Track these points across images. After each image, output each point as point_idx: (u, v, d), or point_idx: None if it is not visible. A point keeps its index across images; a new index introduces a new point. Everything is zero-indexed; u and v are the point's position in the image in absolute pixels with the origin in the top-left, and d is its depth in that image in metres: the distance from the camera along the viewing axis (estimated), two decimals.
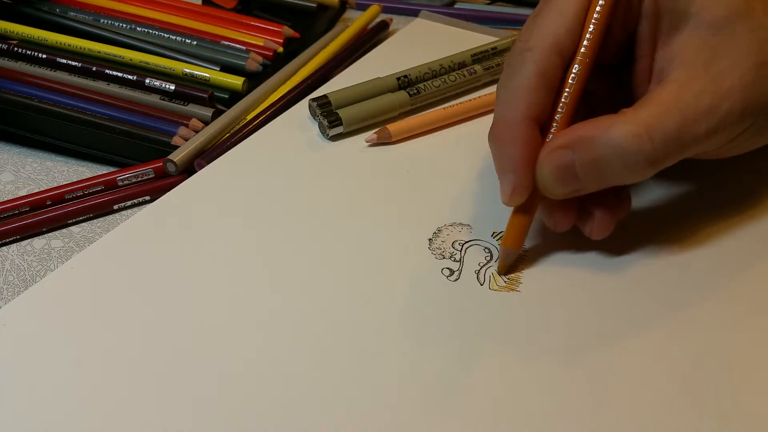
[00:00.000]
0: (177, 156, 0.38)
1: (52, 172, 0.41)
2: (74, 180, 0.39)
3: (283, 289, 0.31)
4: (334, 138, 0.40)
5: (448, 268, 0.32)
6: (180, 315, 0.29)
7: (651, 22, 0.31)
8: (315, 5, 0.54)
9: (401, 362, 0.28)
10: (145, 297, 0.30)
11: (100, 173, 0.39)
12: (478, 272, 0.31)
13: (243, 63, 0.46)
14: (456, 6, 0.59)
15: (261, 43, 0.49)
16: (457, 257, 0.32)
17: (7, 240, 0.36)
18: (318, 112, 0.40)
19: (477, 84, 0.45)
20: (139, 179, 0.39)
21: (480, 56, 0.45)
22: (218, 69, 0.46)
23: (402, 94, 0.42)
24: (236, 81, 0.44)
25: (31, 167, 0.41)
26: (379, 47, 0.49)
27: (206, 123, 0.42)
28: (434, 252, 0.32)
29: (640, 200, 0.35)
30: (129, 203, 0.38)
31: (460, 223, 0.34)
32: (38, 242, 0.36)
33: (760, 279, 0.31)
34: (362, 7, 0.57)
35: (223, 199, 0.35)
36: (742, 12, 0.29)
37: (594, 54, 0.30)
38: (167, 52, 0.47)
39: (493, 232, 0.33)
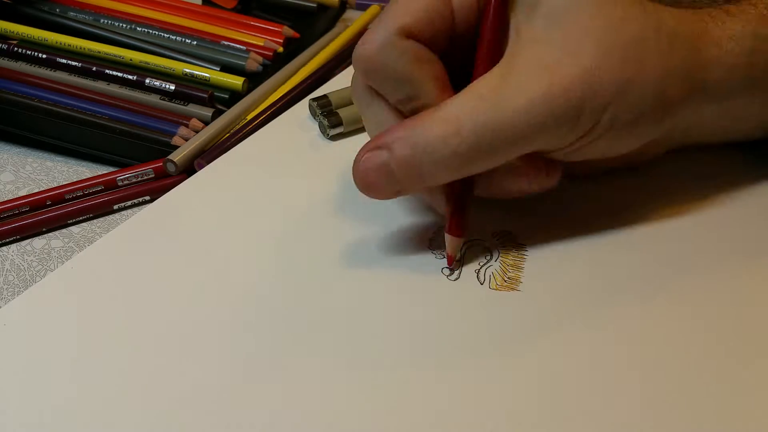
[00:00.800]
0: (177, 156, 0.38)
1: (52, 172, 0.41)
2: (74, 180, 0.39)
3: (282, 289, 0.31)
4: (335, 138, 0.40)
5: (448, 268, 0.32)
6: (180, 315, 0.29)
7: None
8: (315, 5, 0.54)
9: (401, 362, 0.28)
10: (145, 297, 0.30)
11: (100, 173, 0.39)
12: (478, 272, 0.31)
13: (243, 63, 0.46)
14: None
15: (261, 43, 0.49)
16: (457, 257, 0.32)
17: (7, 240, 0.36)
18: (318, 112, 0.40)
19: None
20: (139, 179, 0.39)
21: None
22: (218, 69, 0.46)
23: None
24: (236, 81, 0.44)
25: (31, 167, 0.41)
26: None
27: (206, 123, 0.42)
28: (434, 252, 0.32)
29: (641, 200, 0.35)
30: (129, 203, 0.38)
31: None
32: (38, 242, 0.36)
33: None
34: (362, 7, 0.57)
35: (223, 199, 0.35)
36: (584, 1, 0.27)
37: None
38: (167, 52, 0.47)
39: (494, 232, 0.33)
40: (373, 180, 0.29)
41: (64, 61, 0.44)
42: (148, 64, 0.45)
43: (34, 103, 0.41)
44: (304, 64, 0.48)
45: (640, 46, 0.27)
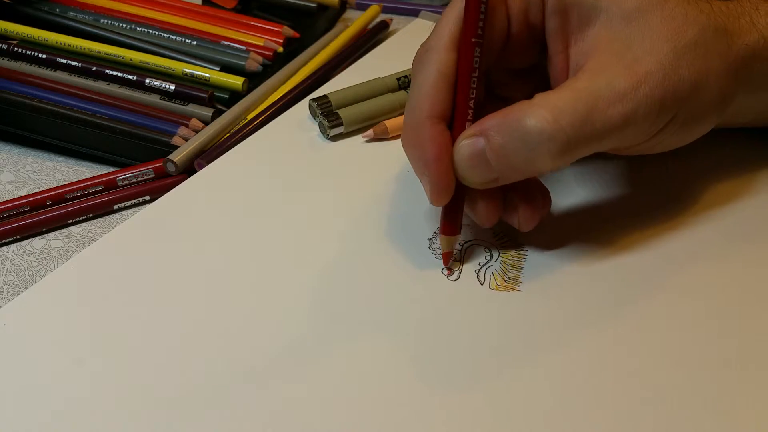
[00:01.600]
0: (177, 156, 0.38)
1: (52, 172, 0.41)
2: (74, 180, 0.39)
3: (282, 289, 0.31)
4: (335, 138, 0.40)
5: (448, 268, 0.32)
6: (180, 315, 0.29)
7: (558, 18, 0.30)
8: (315, 5, 0.54)
9: (401, 362, 0.28)
10: (145, 297, 0.30)
11: (100, 173, 0.39)
12: (478, 272, 0.31)
13: (243, 63, 0.46)
14: None
15: (261, 43, 0.49)
16: (457, 257, 0.32)
17: (7, 240, 0.36)
18: (318, 112, 0.40)
19: None
20: (139, 179, 0.39)
21: None
22: (218, 69, 0.46)
23: (402, 94, 0.42)
24: (236, 81, 0.44)
25: (31, 167, 0.41)
26: (379, 47, 0.49)
27: (206, 123, 0.42)
28: (434, 252, 0.32)
29: (640, 200, 0.35)
30: (129, 203, 0.38)
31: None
32: (38, 242, 0.36)
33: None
34: (362, 7, 0.57)
35: (223, 199, 0.35)
36: (654, 2, 0.29)
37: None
38: (167, 52, 0.47)
39: (494, 232, 0.33)
40: (469, 167, 0.29)
41: (64, 61, 0.44)
42: (148, 64, 0.45)
43: (34, 103, 0.41)
44: (304, 64, 0.48)
45: (704, 47, 0.29)
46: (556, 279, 0.31)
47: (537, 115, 0.27)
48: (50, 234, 0.36)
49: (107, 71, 0.44)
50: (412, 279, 0.31)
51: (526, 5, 0.31)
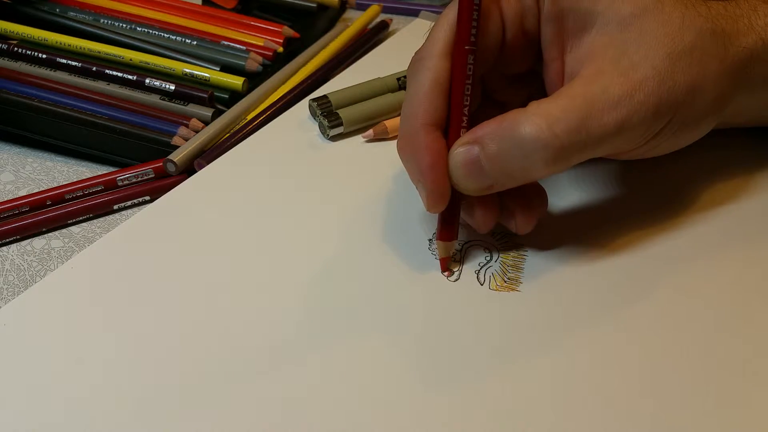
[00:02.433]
0: (177, 156, 0.38)
1: (52, 172, 0.41)
2: (74, 180, 0.39)
3: (282, 289, 0.31)
4: (335, 138, 0.40)
5: (447, 269, 0.32)
6: (180, 315, 0.29)
7: (554, 24, 0.30)
8: (315, 5, 0.54)
9: (401, 362, 0.28)
10: (145, 297, 0.30)
11: (100, 173, 0.39)
12: (478, 272, 0.31)
13: (243, 63, 0.46)
14: None
15: (261, 43, 0.49)
16: (457, 257, 0.32)
17: (7, 240, 0.36)
18: (318, 112, 0.40)
19: None
20: (139, 179, 0.39)
21: None
22: (218, 69, 0.46)
23: (402, 94, 0.42)
24: (236, 81, 0.44)
25: (31, 167, 0.41)
26: (379, 47, 0.49)
27: (206, 123, 0.42)
28: (434, 252, 0.32)
29: (639, 201, 0.35)
30: (129, 203, 0.38)
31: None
32: (38, 242, 0.36)
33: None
34: (362, 7, 0.57)
35: (223, 199, 0.35)
36: (651, 7, 0.29)
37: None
38: (167, 52, 0.47)
39: (494, 232, 0.33)
40: (464, 174, 0.29)
41: (64, 61, 0.44)
42: (148, 64, 0.45)
43: (34, 103, 0.41)
44: (304, 64, 0.48)
45: (701, 51, 0.29)
46: (556, 279, 0.31)
47: (532, 122, 0.27)
48: (50, 234, 0.36)
49: (107, 71, 0.44)
50: (411, 279, 0.31)
51: (521, 12, 0.31)
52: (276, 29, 0.50)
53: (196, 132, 0.41)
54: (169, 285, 0.31)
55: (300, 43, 0.50)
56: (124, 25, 0.49)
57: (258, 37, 0.49)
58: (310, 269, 0.31)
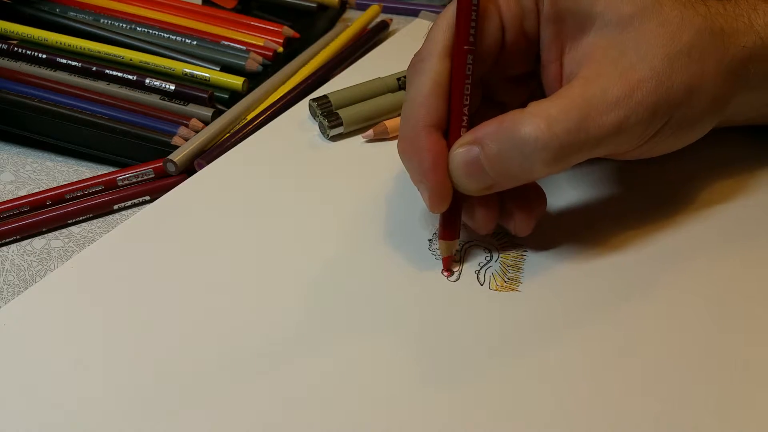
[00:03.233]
0: (177, 156, 0.38)
1: (52, 172, 0.41)
2: (74, 180, 0.39)
3: (282, 288, 0.31)
4: (335, 138, 0.40)
5: (448, 269, 0.32)
6: (180, 315, 0.29)
7: (553, 26, 0.30)
8: (315, 5, 0.54)
9: (401, 362, 0.28)
10: (145, 297, 0.30)
11: (100, 173, 0.39)
12: (478, 272, 0.31)
13: (243, 63, 0.46)
14: None
15: (261, 43, 0.49)
16: (457, 257, 0.32)
17: (7, 240, 0.36)
18: (318, 112, 0.40)
19: None
20: (139, 179, 0.39)
21: None
22: (218, 69, 0.46)
23: (402, 95, 0.42)
24: (236, 81, 0.44)
25: (31, 167, 0.41)
26: (379, 47, 0.49)
27: (206, 123, 0.42)
28: (434, 252, 0.32)
29: (638, 200, 0.35)
30: (129, 203, 0.38)
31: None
32: (38, 242, 0.36)
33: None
34: (362, 7, 0.57)
35: (223, 199, 0.35)
36: (650, 8, 0.29)
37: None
38: (167, 52, 0.47)
39: (494, 232, 0.33)
40: (464, 174, 0.29)
41: (64, 61, 0.44)
42: (148, 64, 0.45)
43: (34, 103, 0.41)
44: (304, 64, 0.48)
45: (699, 50, 0.29)
46: (556, 279, 0.31)
47: (531, 123, 0.27)
48: (50, 234, 0.36)
49: (107, 71, 0.44)
50: (412, 279, 0.31)
51: (520, 13, 0.31)
52: (276, 29, 0.50)
53: (196, 132, 0.41)
54: (169, 285, 0.31)
55: (300, 43, 0.50)
56: (124, 25, 0.49)
57: (258, 37, 0.49)
58: (310, 269, 0.31)
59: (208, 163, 0.38)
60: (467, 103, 0.29)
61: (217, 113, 0.42)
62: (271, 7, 0.55)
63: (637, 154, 0.31)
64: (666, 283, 0.31)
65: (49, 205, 0.37)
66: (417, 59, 0.31)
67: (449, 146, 0.29)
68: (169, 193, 0.36)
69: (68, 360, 0.27)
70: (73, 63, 0.44)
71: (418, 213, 0.34)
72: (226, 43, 0.48)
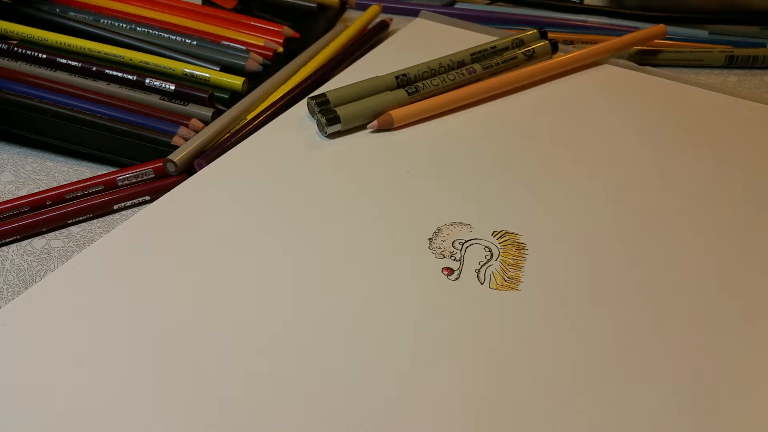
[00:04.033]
0: (177, 156, 0.38)
1: (52, 172, 0.41)
2: (74, 180, 0.39)
3: (282, 288, 0.31)
4: (333, 136, 0.40)
5: (448, 268, 0.32)
6: (179, 315, 0.29)
7: None
8: (315, 5, 0.54)
9: (401, 362, 0.28)
10: (145, 297, 0.30)
11: (100, 173, 0.39)
12: (478, 271, 0.31)
13: (243, 63, 0.46)
14: (456, 6, 0.59)
15: (261, 43, 0.49)
16: (458, 256, 0.32)
17: (7, 240, 0.36)
18: (316, 110, 0.40)
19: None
20: (139, 179, 0.39)
21: (479, 55, 0.45)
22: (218, 69, 0.46)
23: (400, 93, 0.42)
24: (236, 81, 0.44)
25: (31, 167, 0.41)
26: (379, 47, 0.49)
27: (206, 123, 0.42)
28: (434, 251, 0.32)
29: (640, 199, 0.35)
30: (129, 203, 0.38)
31: (461, 223, 0.34)
32: (38, 242, 0.36)
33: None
34: (362, 7, 0.57)
35: (223, 199, 0.35)
36: None
37: None
38: (167, 52, 0.47)
39: (493, 231, 0.33)
40: None
41: (64, 61, 0.44)
42: (148, 64, 0.45)
43: (34, 103, 0.41)
44: (304, 64, 0.48)
45: None
46: (556, 279, 0.31)
47: None
48: (50, 234, 0.36)
49: (107, 71, 0.44)
50: (412, 279, 0.31)
51: None
52: (276, 29, 0.50)
53: (196, 132, 0.41)
54: (169, 285, 0.31)
55: (300, 43, 0.50)
56: (124, 25, 0.49)
57: (258, 37, 0.49)
58: (310, 268, 0.31)
59: (208, 163, 0.38)
60: None
61: (217, 113, 0.42)
62: (271, 7, 0.55)
63: None
64: (667, 282, 0.31)
65: (49, 205, 0.37)
66: None
67: None
68: (169, 193, 0.36)
69: (68, 360, 0.27)
70: (73, 63, 0.44)
71: (418, 211, 0.34)
72: (226, 43, 0.48)
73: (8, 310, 0.29)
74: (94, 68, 0.44)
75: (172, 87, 0.43)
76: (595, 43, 0.49)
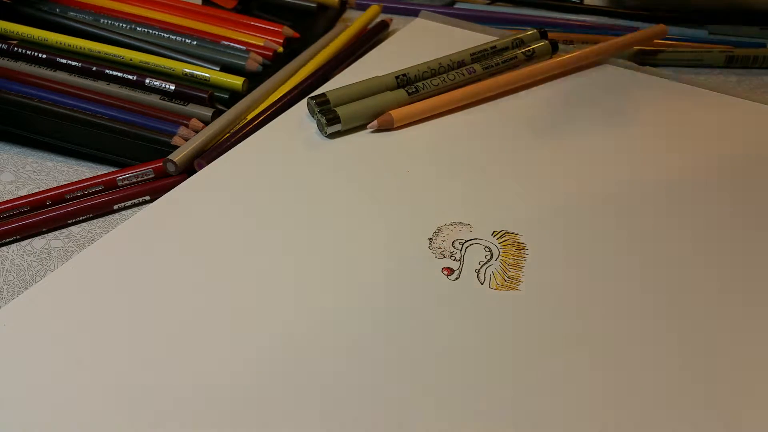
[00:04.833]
0: (177, 156, 0.38)
1: (52, 172, 0.41)
2: (74, 180, 0.39)
3: (282, 288, 0.31)
4: (333, 136, 0.40)
5: (448, 268, 0.32)
6: (179, 315, 0.29)
7: None
8: (315, 5, 0.54)
9: (401, 362, 0.28)
10: (145, 297, 0.30)
11: (100, 173, 0.39)
12: (478, 271, 0.31)
13: (243, 63, 0.46)
14: (456, 6, 0.59)
15: (261, 43, 0.49)
16: (458, 256, 0.32)
17: (7, 240, 0.36)
18: (316, 110, 0.40)
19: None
20: (139, 179, 0.39)
21: (479, 55, 0.45)
22: (218, 69, 0.46)
23: (400, 93, 0.42)
24: (236, 81, 0.44)
25: (31, 167, 0.41)
26: (379, 47, 0.49)
27: (206, 123, 0.42)
28: (434, 251, 0.32)
29: (638, 199, 0.35)
30: (129, 203, 0.38)
31: (461, 222, 0.34)
32: (38, 242, 0.36)
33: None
34: (362, 7, 0.57)
35: (223, 199, 0.35)
36: None
37: None
38: (167, 52, 0.47)
39: (493, 231, 0.33)
40: None
41: (64, 61, 0.44)
42: (148, 64, 0.45)
43: (34, 103, 0.41)
44: (304, 64, 0.48)
45: None
46: (556, 278, 0.31)
47: None
48: (50, 234, 0.36)
49: (107, 71, 0.44)
50: (412, 278, 0.31)
51: None
52: (276, 29, 0.50)
53: (196, 132, 0.41)
54: (169, 285, 0.31)
55: (300, 43, 0.50)
56: (124, 25, 0.49)
57: (258, 37, 0.49)
58: (310, 268, 0.31)
59: (208, 163, 0.38)
60: None
61: (217, 113, 0.42)
62: (271, 7, 0.55)
63: None
64: (667, 282, 0.31)
65: (49, 205, 0.37)
66: None
67: None
68: (169, 193, 0.36)
69: (68, 360, 0.27)
70: (73, 63, 0.44)
71: (418, 211, 0.34)
72: (226, 43, 0.48)
73: (8, 310, 0.29)
74: (94, 68, 0.44)
75: (172, 87, 0.43)
76: (595, 43, 0.49)
